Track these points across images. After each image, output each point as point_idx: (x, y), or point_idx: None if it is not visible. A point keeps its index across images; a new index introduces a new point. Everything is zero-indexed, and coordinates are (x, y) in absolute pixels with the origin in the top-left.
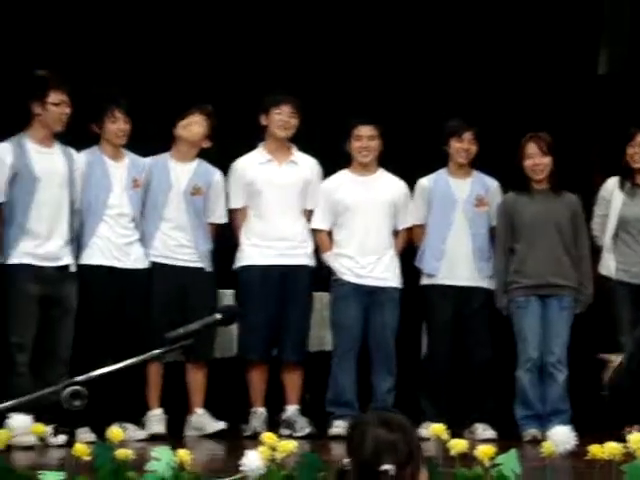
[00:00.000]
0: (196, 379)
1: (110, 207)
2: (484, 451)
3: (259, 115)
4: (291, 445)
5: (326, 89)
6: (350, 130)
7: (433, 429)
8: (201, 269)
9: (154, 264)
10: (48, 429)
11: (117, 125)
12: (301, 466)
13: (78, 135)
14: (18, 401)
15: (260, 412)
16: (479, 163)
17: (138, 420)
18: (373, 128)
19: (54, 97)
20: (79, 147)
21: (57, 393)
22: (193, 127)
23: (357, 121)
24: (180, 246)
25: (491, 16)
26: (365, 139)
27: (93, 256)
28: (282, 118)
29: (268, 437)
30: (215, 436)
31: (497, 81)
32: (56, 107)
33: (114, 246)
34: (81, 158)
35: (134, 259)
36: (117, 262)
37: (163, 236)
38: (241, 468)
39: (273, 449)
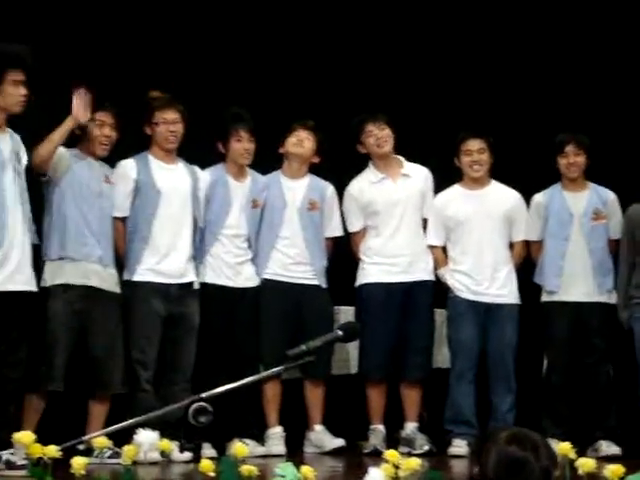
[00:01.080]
0: (315, 396)
1: (227, 227)
2: (613, 470)
3: (355, 145)
4: (414, 463)
5: (438, 104)
6: (459, 144)
7: (560, 448)
8: (317, 286)
9: (269, 281)
10: (174, 445)
11: (242, 144)
12: None
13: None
14: (146, 417)
15: (379, 429)
16: (606, 175)
17: (257, 435)
18: (482, 141)
19: (158, 117)
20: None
21: (182, 409)
22: (305, 143)
23: (465, 135)
24: (296, 263)
25: (610, 23)
26: (475, 153)
27: (205, 274)
28: (375, 136)
29: (391, 454)
30: (334, 453)
31: (620, 92)
32: (160, 126)
33: (226, 265)
34: (205, 176)
35: (245, 278)
36: (228, 281)
37: (279, 254)
38: None
39: (396, 467)
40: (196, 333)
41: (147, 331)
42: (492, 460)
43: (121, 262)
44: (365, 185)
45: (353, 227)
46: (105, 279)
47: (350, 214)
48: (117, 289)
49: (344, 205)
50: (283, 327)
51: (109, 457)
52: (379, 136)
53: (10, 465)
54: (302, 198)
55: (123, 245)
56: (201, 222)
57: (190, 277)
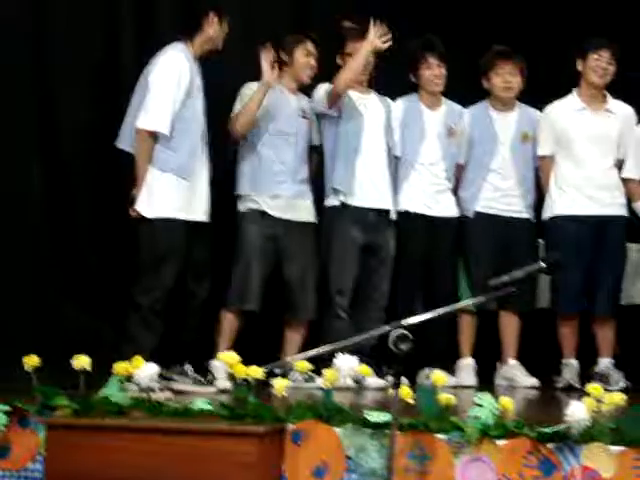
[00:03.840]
0: (510, 329)
1: (422, 155)
2: None
3: (575, 59)
4: (618, 397)
5: None
6: None
7: None
8: (526, 220)
9: (480, 214)
10: (371, 371)
11: (432, 71)
12: (629, 419)
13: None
14: (344, 343)
15: (572, 364)
16: None
17: (448, 366)
18: None
19: (351, 47)
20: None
21: (377, 337)
22: (513, 85)
23: None
24: (506, 196)
25: None
26: None
27: (403, 202)
28: (600, 64)
29: (594, 388)
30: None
31: None
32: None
33: (424, 193)
34: (398, 106)
35: (444, 207)
36: (427, 209)
37: (489, 186)
38: (565, 419)
39: (598, 401)
40: (391, 262)
41: (345, 259)
42: None
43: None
44: (564, 111)
45: (543, 150)
46: (299, 210)
47: (542, 137)
48: (311, 218)
49: (538, 126)
50: (491, 259)
51: (305, 381)
52: (605, 67)
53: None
54: (514, 131)
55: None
56: (396, 151)
57: (387, 205)
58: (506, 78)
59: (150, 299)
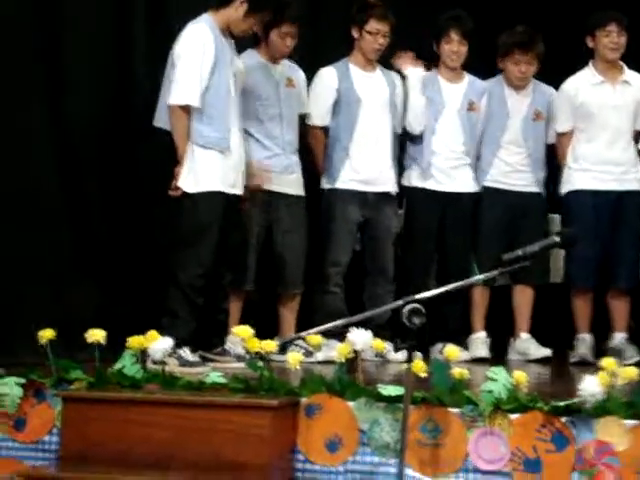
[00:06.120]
0: (523, 303)
1: (439, 129)
2: None
3: (585, 37)
4: (632, 372)
5: None
6: None
7: None
8: (537, 194)
9: (488, 189)
10: (387, 345)
11: (450, 46)
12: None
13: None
14: (357, 317)
15: (586, 338)
16: None
17: (461, 341)
18: None
19: (372, 26)
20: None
21: (392, 311)
22: (525, 71)
23: None
24: (516, 171)
25: None
26: None
27: (414, 177)
28: (611, 40)
29: (607, 362)
30: (539, 361)
31: None
32: (372, 36)
33: (439, 170)
34: (417, 74)
35: (458, 182)
36: (438, 185)
37: (499, 162)
38: (579, 393)
39: (612, 375)
40: (393, 237)
41: (342, 236)
42: None
43: (318, 169)
44: (582, 85)
45: (562, 127)
46: (290, 184)
47: (561, 113)
48: (301, 192)
49: (555, 103)
50: (500, 233)
51: (304, 355)
52: (615, 40)
53: (239, 357)
54: (527, 108)
55: (322, 153)
56: (399, 128)
57: (389, 186)
58: (522, 69)
59: (190, 275)
